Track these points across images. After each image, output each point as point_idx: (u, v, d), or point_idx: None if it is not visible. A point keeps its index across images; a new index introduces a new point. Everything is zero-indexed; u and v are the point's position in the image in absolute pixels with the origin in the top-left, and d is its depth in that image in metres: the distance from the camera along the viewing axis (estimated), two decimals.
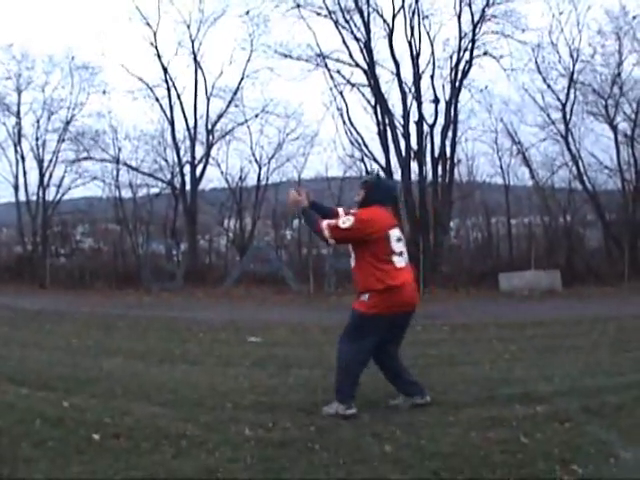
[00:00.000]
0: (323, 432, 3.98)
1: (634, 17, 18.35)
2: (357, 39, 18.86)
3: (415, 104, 18.87)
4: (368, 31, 18.71)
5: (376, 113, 19.08)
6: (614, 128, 19.32)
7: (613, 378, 5.46)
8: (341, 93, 19.59)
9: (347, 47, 18.98)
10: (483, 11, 18.42)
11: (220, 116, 21.13)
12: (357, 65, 19.10)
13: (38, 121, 21.31)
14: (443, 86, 19.06)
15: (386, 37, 18.76)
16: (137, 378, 5.69)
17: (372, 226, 4.38)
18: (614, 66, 18.84)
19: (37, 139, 21.40)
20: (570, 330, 9.06)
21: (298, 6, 18.86)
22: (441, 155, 18.99)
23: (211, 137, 21.25)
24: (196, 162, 21.19)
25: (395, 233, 4.47)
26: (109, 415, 4.28)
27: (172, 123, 21.16)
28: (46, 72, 21.09)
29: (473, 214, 22.34)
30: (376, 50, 18.94)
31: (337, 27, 18.83)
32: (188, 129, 21.13)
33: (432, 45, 18.82)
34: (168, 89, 20.96)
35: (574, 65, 19.06)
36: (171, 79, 20.96)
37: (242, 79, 20.78)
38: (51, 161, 21.45)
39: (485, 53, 18.86)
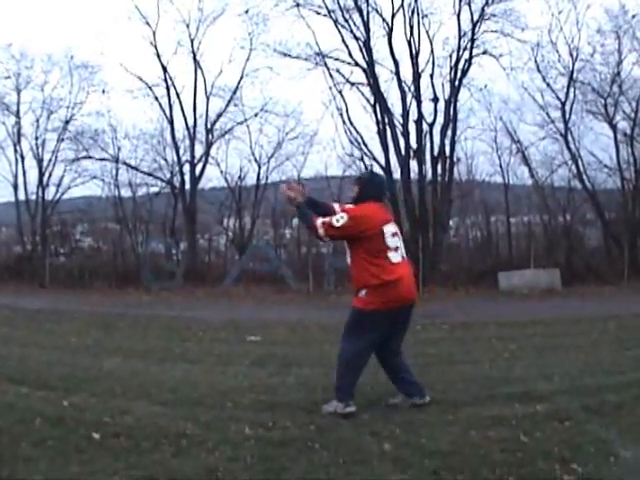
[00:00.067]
0: (323, 431, 3.98)
1: (633, 16, 18.36)
2: (356, 38, 18.85)
3: (414, 103, 18.87)
4: (367, 30, 18.70)
5: (375, 112, 19.08)
6: (613, 127, 19.33)
7: (613, 377, 5.46)
8: (340, 92, 19.59)
9: (346, 46, 18.98)
10: (482, 10, 18.41)
11: (219, 115, 21.13)
12: (356, 64, 19.09)
13: (37, 120, 21.31)
14: (442, 85, 19.07)
15: (385, 36, 18.76)
16: (137, 377, 5.69)
17: (366, 223, 4.38)
18: (613, 65, 18.86)
19: (36, 138, 21.39)
20: (570, 329, 9.07)
21: (297, 5, 18.85)
22: (440, 154, 18.98)
23: (210, 136, 21.25)
24: (195, 161, 21.18)
25: (390, 229, 4.46)
26: (109, 414, 4.28)
27: (171, 122, 21.15)
28: (45, 71, 21.09)
29: (472, 213, 22.36)
30: (375, 49, 18.95)
31: (336, 26, 18.82)
32: (187, 128, 21.13)
33: (431, 44, 18.83)
34: (167, 88, 20.96)
35: (573, 64, 19.08)
36: (170, 78, 20.96)
37: (241, 78, 20.79)
38: (50, 160, 21.44)
39: (484, 52, 18.84)
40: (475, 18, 18.44)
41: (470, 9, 18.45)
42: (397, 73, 18.80)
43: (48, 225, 21.93)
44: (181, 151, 21.33)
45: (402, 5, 18.57)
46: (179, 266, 19.74)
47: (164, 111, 21.07)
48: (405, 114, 18.79)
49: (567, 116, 19.34)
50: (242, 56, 21.12)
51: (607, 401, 4.54)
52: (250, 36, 20.21)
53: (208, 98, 21.05)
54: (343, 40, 18.92)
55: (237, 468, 3.35)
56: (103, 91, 21.02)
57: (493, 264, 18.87)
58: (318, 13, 18.87)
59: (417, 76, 18.82)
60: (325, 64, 19.35)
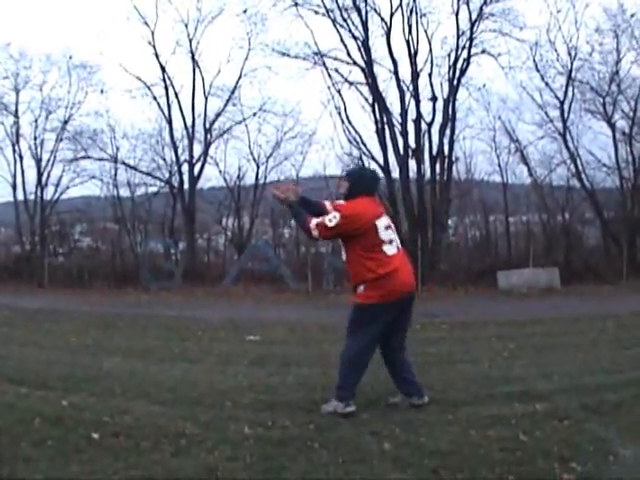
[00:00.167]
0: (322, 430, 3.98)
1: (632, 15, 18.42)
2: (355, 37, 18.88)
3: (413, 102, 18.91)
4: (366, 29, 18.72)
5: (374, 111, 19.10)
6: (612, 126, 19.37)
7: (612, 376, 5.46)
8: (339, 91, 19.63)
9: (345, 45, 19.02)
10: (481, 9, 18.45)
11: (218, 115, 21.15)
12: (355, 63, 19.12)
13: (36, 120, 21.34)
14: (441, 84, 19.11)
15: (384, 35, 18.80)
16: (136, 377, 5.68)
17: (359, 219, 4.37)
18: (612, 64, 18.92)
19: (35, 138, 21.42)
20: (569, 328, 9.07)
21: (296, 4, 18.87)
22: (439, 153, 19.00)
23: (209, 136, 21.28)
24: (194, 161, 21.21)
25: (382, 222, 4.45)
26: (108, 414, 4.27)
27: (170, 122, 21.16)
28: (44, 71, 21.13)
29: (471, 212, 22.40)
30: (374, 48, 19.01)
31: (335, 25, 18.87)
32: (186, 128, 21.15)
33: (430, 43, 18.89)
34: (166, 88, 20.97)
35: (572, 63, 19.13)
36: (169, 78, 20.99)
37: (240, 78, 20.84)
38: (49, 160, 21.49)
39: (483, 51, 18.89)
40: (473, 17, 18.52)
41: (468, 8, 18.53)
42: (396, 72, 18.83)
43: (47, 225, 21.95)
44: (180, 151, 21.40)
45: (400, 4, 18.64)
46: (178, 266, 19.75)
47: (163, 111, 21.14)
48: (404, 113, 18.81)
49: (566, 115, 19.39)
50: (240, 56, 21.21)
51: (606, 400, 4.54)
52: (248, 36, 20.30)
53: (207, 98, 21.13)
54: (342, 39, 18.99)
55: (236, 467, 3.35)
56: (102, 91, 21.09)
57: (492, 263, 18.89)
58: (316, 12, 18.93)
59: (416, 75, 18.85)
60: (324, 63, 19.41)
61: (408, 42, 18.74)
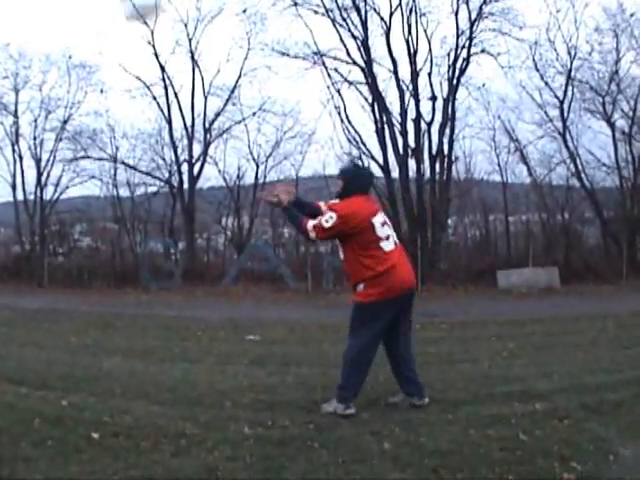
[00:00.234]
0: (322, 430, 3.98)
1: (631, 14, 18.41)
2: (354, 37, 18.87)
3: (413, 102, 18.89)
4: (365, 29, 18.71)
5: (374, 111, 19.09)
6: (612, 125, 19.36)
7: (612, 375, 5.47)
8: (338, 91, 19.61)
9: (344, 45, 19.01)
10: (480, 9, 18.44)
11: (217, 114, 21.12)
12: (354, 63, 19.10)
13: (35, 120, 21.28)
14: (441, 84, 19.09)
15: (383, 35, 18.79)
16: (136, 377, 5.68)
17: (355, 218, 4.37)
18: (612, 63, 18.91)
19: (34, 138, 21.37)
20: (568, 327, 9.08)
21: (295, 4, 18.85)
22: (439, 153, 18.99)
23: (208, 135, 21.25)
24: (194, 160, 21.18)
25: (378, 219, 4.45)
26: (108, 414, 4.27)
27: (169, 122, 21.13)
28: (43, 71, 21.07)
29: (471, 211, 22.38)
30: (373, 48, 19.00)
31: (334, 25, 18.85)
32: (185, 127, 21.12)
33: (429, 43, 18.87)
34: (165, 88, 20.93)
35: (572, 62, 19.11)
36: (168, 78, 20.93)
37: (239, 77, 20.80)
38: (49, 160, 21.43)
39: (482, 51, 18.87)
40: (473, 17, 18.50)
41: (468, 8, 18.52)
42: (395, 72, 18.82)
43: (46, 225, 21.92)
44: (179, 150, 21.35)
45: (400, 4, 18.62)
46: (178, 265, 19.74)
47: (162, 111, 21.09)
48: (403, 113, 18.81)
49: (565, 114, 19.38)
50: (240, 55, 21.15)
51: (606, 399, 4.55)
52: (248, 35, 20.26)
53: (206, 97, 21.09)
54: (341, 39, 18.98)
55: (236, 467, 3.35)
56: (101, 91, 21.03)
57: (492, 263, 18.89)
58: (316, 12, 18.90)
59: (415, 75, 18.84)
60: (323, 63, 19.40)
61: (407, 42, 18.75)
